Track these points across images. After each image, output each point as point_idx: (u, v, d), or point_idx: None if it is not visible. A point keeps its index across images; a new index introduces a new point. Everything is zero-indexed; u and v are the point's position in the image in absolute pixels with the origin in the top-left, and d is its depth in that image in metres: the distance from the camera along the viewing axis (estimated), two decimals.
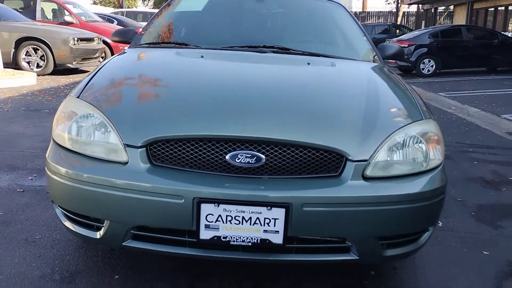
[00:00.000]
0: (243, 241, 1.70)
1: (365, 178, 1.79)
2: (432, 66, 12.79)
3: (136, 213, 1.73)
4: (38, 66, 9.43)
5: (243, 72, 2.33)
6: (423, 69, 12.85)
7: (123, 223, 1.76)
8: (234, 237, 1.70)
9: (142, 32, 3.13)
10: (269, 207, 1.67)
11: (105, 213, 1.78)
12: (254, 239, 1.70)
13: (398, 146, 1.88)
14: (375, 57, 2.98)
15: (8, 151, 4.00)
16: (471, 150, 4.96)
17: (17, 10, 11.96)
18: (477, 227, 2.93)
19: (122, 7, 25.34)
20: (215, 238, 1.70)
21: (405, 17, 31.08)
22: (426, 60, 12.79)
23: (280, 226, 1.69)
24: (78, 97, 2.04)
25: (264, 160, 1.74)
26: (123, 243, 1.81)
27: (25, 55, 9.36)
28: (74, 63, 9.65)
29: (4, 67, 8.62)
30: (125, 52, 2.76)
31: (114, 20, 14.57)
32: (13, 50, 9.23)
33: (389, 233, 1.82)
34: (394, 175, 1.85)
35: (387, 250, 1.87)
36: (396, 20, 26.93)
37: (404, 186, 1.83)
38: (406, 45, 12.97)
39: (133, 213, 1.73)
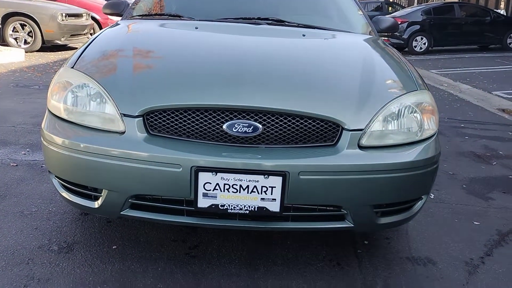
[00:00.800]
0: (241, 209, 1.72)
1: (361, 147, 1.80)
2: (424, 44, 12.79)
3: (134, 182, 1.73)
4: (25, 42, 9.26)
5: (238, 43, 2.32)
6: (415, 46, 12.85)
7: (121, 192, 1.77)
8: (231, 205, 1.72)
9: (135, 4, 3.08)
10: (266, 176, 1.68)
11: (103, 182, 1.78)
12: (252, 207, 1.72)
13: (393, 116, 1.89)
14: (370, 31, 2.97)
15: (0, 126, 3.97)
16: (463, 125, 5.01)
17: None
18: (468, 199, 2.98)
19: None
20: (213, 206, 1.72)
21: None
22: (418, 38, 12.78)
23: (277, 194, 1.70)
24: (72, 67, 2.02)
25: (261, 130, 1.75)
26: (121, 212, 1.82)
27: (12, 31, 9.18)
28: (62, 39, 9.50)
29: None
30: (118, 24, 2.72)
31: None
32: None
33: (383, 201, 1.85)
34: (389, 144, 1.87)
35: (381, 218, 1.90)
36: None
37: (399, 155, 1.85)
38: (399, 22, 12.92)
39: (131, 182, 1.74)
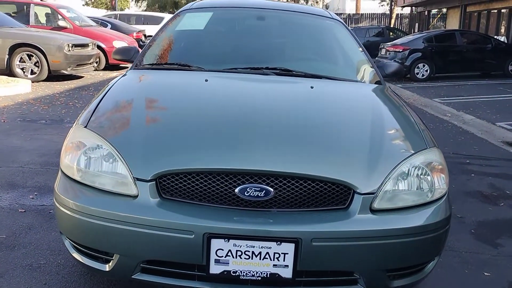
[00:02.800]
0: (253, 275, 1.72)
1: (373, 210, 1.81)
2: (426, 71, 12.88)
3: (146, 248, 1.74)
4: (32, 72, 9.37)
5: (248, 99, 2.35)
6: (417, 73, 12.93)
7: (133, 257, 1.77)
8: (243, 272, 1.71)
9: (144, 52, 3.12)
10: (278, 242, 1.69)
11: (114, 247, 1.78)
12: (264, 273, 1.72)
13: (404, 177, 1.90)
14: (376, 78, 2.99)
15: (7, 167, 3.98)
16: (468, 161, 5.01)
17: (10, 15, 11.89)
18: (477, 246, 2.96)
19: (114, 9, 25.29)
20: (225, 272, 1.71)
21: (399, 19, 31.23)
22: (420, 65, 12.87)
23: (289, 260, 1.70)
24: (85, 126, 2.04)
25: (273, 193, 1.76)
26: (132, 276, 1.81)
27: (19, 61, 9.30)
28: (68, 69, 9.61)
29: None
30: (127, 75, 2.76)
31: (108, 24, 14.53)
32: (7, 56, 9.16)
33: (396, 265, 1.84)
34: (400, 207, 1.87)
35: (394, 281, 1.89)
36: (390, 22, 27.06)
37: (411, 218, 1.85)
38: (401, 50, 13.07)
39: (143, 247, 1.74)
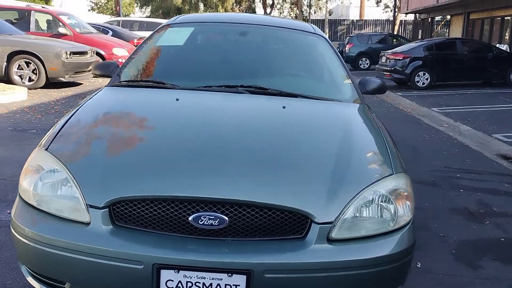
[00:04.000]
0: None
1: (330, 240, 1.76)
2: (427, 79, 12.80)
3: (97, 277, 1.70)
4: (30, 79, 9.41)
5: (215, 122, 2.31)
6: (417, 81, 12.86)
7: (85, 287, 1.74)
8: None
9: (122, 68, 3.10)
10: (229, 274, 1.65)
11: (66, 275, 1.75)
12: None
13: (365, 205, 1.85)
14: (355, 96, 2.94)
15: None
16: (459, 175, 4.94)
17: (12, 21, 11.97)
18: (456, 267, 2.91)
19: (119, 15, 25.40)
20: None
21: (402, 26, 31.16)
22: (421, 73, 12.79)
23: None
24: (46, 149, 2.02)
25: (227, 222, 1.72)
26: None
27: (17, 68, 9.34)
28: (66, 76, 9.63)
29: None
30: (101, 92, 2.74)
31: (109, 31, 14.58)
32: (5, 64, 9.21)
33: None
34: (360, 236, 1.82)
35: None
36: (393, 29, 26.99)
37: (371, 248, 1.80)
38: (401, 58, 13.01)
39: (93, 277, 1.71)
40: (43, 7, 13.67)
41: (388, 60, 13.46)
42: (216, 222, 1.72)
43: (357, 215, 1.83)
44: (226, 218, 1.72)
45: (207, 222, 1.71)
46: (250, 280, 1.65)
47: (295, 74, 3.13)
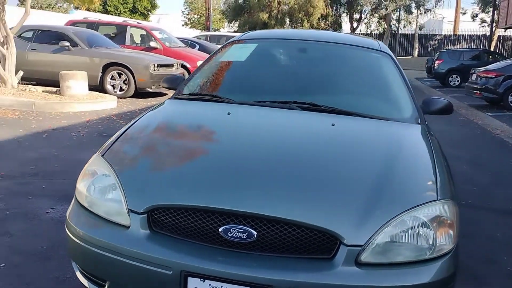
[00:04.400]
0: None
1: (360, 264, 1.72)
2: None
3: (131, 279, 1.82)
4: (121, 89, 10.17)
5: (260, 137, 2.37)
6: (511, 102, 11.94)
7: (122, 286, 1.86)
8: None
9: (187, 81, 3.27)
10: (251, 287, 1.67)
11: (105, 274, 1.89)
12: None
13: (401, 231, 1.79)
14: (415, 116, 2.83)
15: (71, 179, 4.35)
16: None
17: (110, 35, 13.05)
18: None
19: (209, 30, 26.54)
20: None
21: (500, 41, 29.11)
22: None
23: None
24: (103, 155, 2.19)
25: (255, 236, 1.76)
26: None
27: (111, 79, 10.13)
28: (153, 87, 10.27)
29: (90, 90, 9.38)
30: (162, 104, 2.92)
31: (196, 45, 15.29)
32: (100, 74, 10.04)
33: None
34: (393, 262, 1.76)
35: None
36: (490, 45, 25.31)
37: (404, 275, 1.73)
38: (493, 76, 12.17)
39: (129, 278, 1.82)
40: (138, 23, 14.70)
41: (478, 78, 12.65)
42: (245, 235, 1.76)
43: (391, 240, 1.77)
44: (255, 232, 1.76)
45: (236, 234, 1.76)
46: None
47: (352, 92, 3.09)
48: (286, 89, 3.03)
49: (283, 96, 2.89)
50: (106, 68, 10.11)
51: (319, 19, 30.65)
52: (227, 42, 3.72)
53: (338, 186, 1.95)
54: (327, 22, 32.10)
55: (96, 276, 1.97)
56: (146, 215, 1.86)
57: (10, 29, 8.86)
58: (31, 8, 10.23)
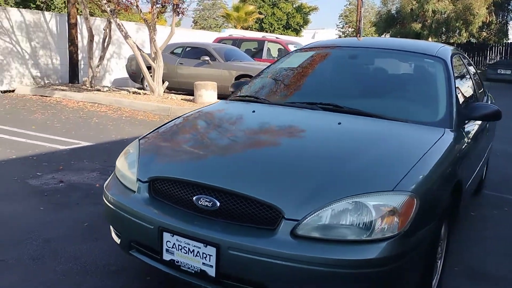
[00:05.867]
0: (189, 268, 2.13)
1: (295, 236, 1.97)
2: None
3: (132, 231, 2.35)
4: None
5: (266, 130, 2.74)
6: None
7: (126, 237, 2.42)
8: (183, 263, 2.15)
9: (245, 84, 3.74)
10: (205, 245, 2.06)
11: (118, 227, 2.46)
12: (196, 268, 2.11)
13: (339, 213, 1.99)
14: (443, 120, 2.85)
15: None
16: None
17: (252, 50, 14.26)
18: None
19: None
20: (171, 260, 2.18)
21: None
22: None
23: (213, 261, 2.06)
24: (140, 139, 2.80)
25: (218, 206, 2.14)
26: (130, 251, 2.44)
27: None
28: None
29: (222, 98, 10.45)
30: (213, 104, 3.45)
31: None
32: None
33: None
34: (326, 239, 1.97)
35: None
36: None
37: (336, 251, 1.92)
38: None
39: (131, 231, 2.36)
40: (276, 38, 15.68)
41: None
42: (210, 204, 2.15)
43: (329, 219, 1.98)
44: (218, 203, 2.14)
45: (203, 203, 2.17)
46: (219, 253, 2.03)
47: (383, 96, 3.20)
48: (320, 92, 3.30)
49: (315, 98, 3.16)
50: (238, 79, 11.12)
51: (479, 27, 28.27)
52: (292, 51, 4.10)
53: (299, 170, 2.22)
54: (490, 30, 29.37)
55: (117, 230, 2.55)
56: (147, 183, 2.38)
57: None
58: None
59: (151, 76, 10.47)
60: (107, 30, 11.24)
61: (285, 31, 38.02)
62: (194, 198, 2.20)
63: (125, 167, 2.61)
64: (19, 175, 4.65)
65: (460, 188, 2.77)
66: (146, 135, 2.87)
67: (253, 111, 3.03)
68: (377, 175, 2.19)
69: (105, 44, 11.41)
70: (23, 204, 3.86)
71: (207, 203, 2.16)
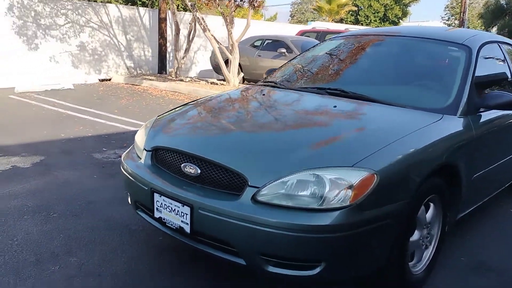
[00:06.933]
0: (172, 224, 2.46)
1: (256, 201, 2.20)
2: None
3: (135, 192, 2.74)
4: None
5: (265, 110, 3.00)
6: None
7: (133, 198, 2.81)
8: (167, 220, 2.48)
9: (272, 71, 3.99)
10: (182, 204, 2.37)
11: (128, 190, 2.86)
12: (176, 224, 2.43)
13: (299, 183, 2.17)
14: (451, 108, 2.87)
15: None
16: None
17: None
18: None
19: None
20: (160, 218, 2.52)
21: None
22: None
23: (188, 219, 2.35)
24: (158, 116, 3.19)
25: (199, 172, 2.43)
26: (137, 211, 2.83)
27: None
28: None
29: None
30: (239, 88, 3.74)
31: None
32: None
33: (267, 251, 2.17)
34: (283, 205, 2.16)
35: (269, 266, 2.20)
36: None
37: (290, 216, 2.11)
38: None
39: (134, 192, 2.75)
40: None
41: None
42: (193, 171, 2.45)
43: (287, 188, 2.17)
44: (199, 170, 2.43)
45: (188, 170, 2.47)
46: (192, 213, 2.32)
47: (394, 82, 3.25)
48: (334, 79, 3.43)
49: (327, 84, 3.32)
50: None
51: None
52: (328, 39, 4.24)
53: (270, 145, 2.45)
54: None
55: (130, 194, 2.94)
56: (151, 152, 2.75)
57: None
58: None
59: (227, 68, 11.00)
60: (192, 24, 11.99)
61: (382, 23, 36.83)
62: (182, 165, 2.52)
63: (139, 138, 3.00)
64: (87, 150, 5.35)
65: (458, 175, 2.77)
66: (166, 112, 3.24)
67: (263, 94, 3.26)
68: (343, 152, 2.33)
69: (190, 37, 12.17)
70: (81, 172, 4.48)
71: (191, 170, 2.46)
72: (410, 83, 3.24)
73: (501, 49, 3.78)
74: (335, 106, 2.88)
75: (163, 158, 2.66)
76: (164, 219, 2.50)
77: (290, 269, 2.20)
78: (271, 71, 4.11)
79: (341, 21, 35.26)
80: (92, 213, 3.50)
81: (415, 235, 2.57)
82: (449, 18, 51.54)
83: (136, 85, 11.74)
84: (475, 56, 3.23)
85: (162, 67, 13.10)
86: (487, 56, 3.49)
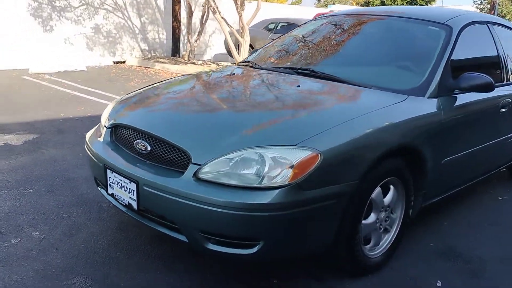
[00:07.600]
0: (122, 201, 2.47)
1: (198, 178, 2.18)
2: None
3: (94, 169, 2.76)
4: None
5: (228, 90, 2.97)
6: None
7: (93, 175, 2.83)
8: (118, 196, 2.49)
9: (254, 51, 3.94)
10: (130, 181, 2.37)
11: (89, 166, 2.89)
12: (125, 201, 2.44)
13: (241, 161, 2.14)
14: (420, 89, 2.79)
15: None
16: None
17: None
18: None
19: None
20: (112, 194, 2.54)
21: None
22: None
23: (134, 196, 2.36)
24: (126, 94, 3.19)
25: (149, 149, 2.43)
26: (98, 187, 2.86)
27: None
28: None
29: None
30: (219, 68, 3.71)
31: None
32: None
33: (206, 228, 2.15)
34: (224, 183, 2.13)
35: (210, 243, 2.19)
36: None
37: (230, 194, 2.08)
38: None
39: (93, 168, 2.76)
40: None
41: None
42: (144, 148, 2.45)
43: (228, 166, 2.14)
44: (149, 147, 2.43)
45: (139, 146, 2.47)
46: (138, 189, 2.32)
47: (367, 63, 3.16)
48: (308, 59, 3.36)
49: (299, 64, 3.25)
50: None
51: None
52: (313, 18, 4.16)
53: (216, 122, 2.43)
54: None
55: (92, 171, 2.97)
56: (110, 129, 2.75)
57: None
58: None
59: (237, 51, 10.94)
60: (206, 6, 11.93)
61: None
62: (134, 142, 2.52)
63: (103, 117, 3.01)
64: (82, 129, 5.42)
65: (422, 159, 2.68)
66: (135, 90, 3.24)
67: (232, 74, 3.23)
68: (289, 131, 2.28)
69: (203, 20, 12.13)
70: (69, 151, 4.55)
71: (142, 146, 2.46)
72: (384, 64, 3.14)
73: (490, 30, 3.62)
74: (298, 86, 2.83)
75: (121, 135, 2.67)
76: (115, 195, 2.52)
77: (229, 247, 2.19)
78: (253, 52, 4.06)
79: (367, 4, 34.50)
80: (68, 190, 3.55)
81: (371, 218, 2.51)
82: (481, 2, 49.82)
83: (149, 67, 11.82)
84: (455, 37, 3.11)
85: (175, 50, 13.14)
86: (472, 37, 3.35)
